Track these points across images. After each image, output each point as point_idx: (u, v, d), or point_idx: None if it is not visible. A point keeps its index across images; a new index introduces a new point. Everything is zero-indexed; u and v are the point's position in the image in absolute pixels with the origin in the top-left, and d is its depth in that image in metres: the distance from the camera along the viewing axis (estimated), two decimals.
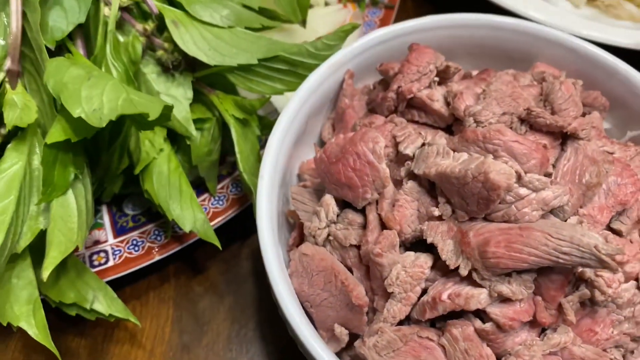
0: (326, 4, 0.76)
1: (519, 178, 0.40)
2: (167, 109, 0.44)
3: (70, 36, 0.53)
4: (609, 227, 0.45)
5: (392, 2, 0.75)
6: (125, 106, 0.42)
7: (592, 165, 0.44)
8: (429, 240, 0.43)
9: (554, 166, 0.46)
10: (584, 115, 0.52)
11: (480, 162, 0.41)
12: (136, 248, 0.59)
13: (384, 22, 0.74)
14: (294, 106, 0.52)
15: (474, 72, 0.58)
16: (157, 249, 0.58)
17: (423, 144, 0.46)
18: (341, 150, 0.46)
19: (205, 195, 0.62)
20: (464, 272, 0.41)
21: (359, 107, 0.55)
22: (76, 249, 0.47)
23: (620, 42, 0.72)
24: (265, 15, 0.63)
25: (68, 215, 0.46)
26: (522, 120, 0.46)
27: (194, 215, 0.54)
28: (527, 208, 0.41)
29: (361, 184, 0.45)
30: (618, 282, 0.41)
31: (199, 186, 0.62)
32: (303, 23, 0.64)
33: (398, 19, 0.76)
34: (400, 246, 0.45)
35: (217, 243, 0.54)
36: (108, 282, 0.56)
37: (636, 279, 0.43)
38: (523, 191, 0.41)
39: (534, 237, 0.39)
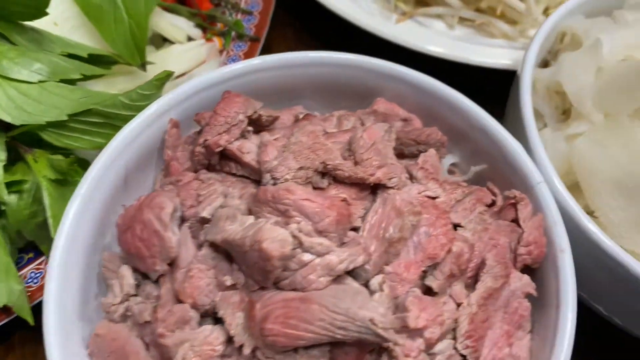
0: (190, 39, 0.72)
1: (301, 243, 0.37)
2: None
3: None
4: (423, 284, 0.41)
5: (258, 34, 0.72)
6: None
7: (397, 218, 0.41)
8: (219, 313, 0.39)
9: (364, 219, 0.42)
10: (410, 156, 0.49)
11: (257, 228, 0.37)
12: None
13: (248, 56, 0.70)
14: (101, 164, 0.47)
15: (316, 113, 0.55)
16: None
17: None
18: (131, 217, 0.42)
19: (43, 258, 0.57)
20: (246, 350, 0.37)
21: (183, 158, 0.51)
22: None
23: (500, 64, 0.70)
24: (101, 61, 0.59)
25: None
26: (324, 174, 0.42)
27: (10, 287, 0.50)
28: (313, 275, 0.37)
29: (149, 255, 0.41)
30: (418, 350, 0.38)
31: (36, 247, 0.58)
32: (142, 67, 0.60)
33: (278, 50, 0.73)
34: (206, 316, 0.42)
35: (30, 319, 0.50)
36: None
37: (454, 338, 0.40)
38: (306, 257, 0.37)
39: (311, 311, 0.35)
